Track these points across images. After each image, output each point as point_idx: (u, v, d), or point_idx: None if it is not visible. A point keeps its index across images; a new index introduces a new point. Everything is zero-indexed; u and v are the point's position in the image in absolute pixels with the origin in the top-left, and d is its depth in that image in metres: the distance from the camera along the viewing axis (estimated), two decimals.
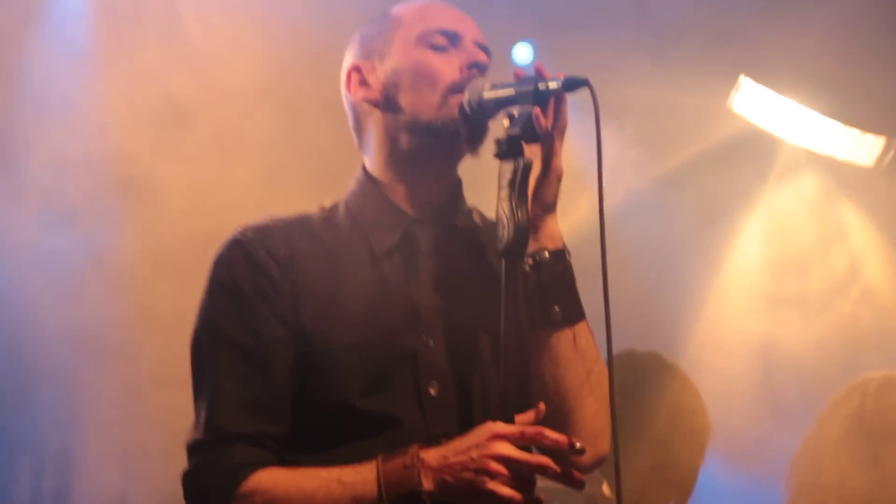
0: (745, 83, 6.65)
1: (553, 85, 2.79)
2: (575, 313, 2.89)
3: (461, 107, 2.91)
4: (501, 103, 2.85)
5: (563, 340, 2.88)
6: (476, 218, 3.11)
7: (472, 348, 2.92)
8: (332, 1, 5.48)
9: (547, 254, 2.87)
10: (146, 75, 5.99)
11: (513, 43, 6.52)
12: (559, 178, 2.86)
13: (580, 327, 2.89)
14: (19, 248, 5.99)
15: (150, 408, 4.91)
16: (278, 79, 5.92)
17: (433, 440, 2.79)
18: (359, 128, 3.11)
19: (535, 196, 2.85)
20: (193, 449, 2.86)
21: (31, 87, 6.00)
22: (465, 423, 2.81)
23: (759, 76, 6.65)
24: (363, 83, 3.05)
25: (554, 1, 6.32)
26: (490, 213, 2.94)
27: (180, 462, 2.91)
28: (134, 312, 5.70)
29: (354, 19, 3.30)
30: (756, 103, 6.72)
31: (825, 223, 6.94)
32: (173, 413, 2.99)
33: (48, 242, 6.03)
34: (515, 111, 2.81)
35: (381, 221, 3.00)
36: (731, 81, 6.65)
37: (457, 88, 2.93)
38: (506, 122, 2.81)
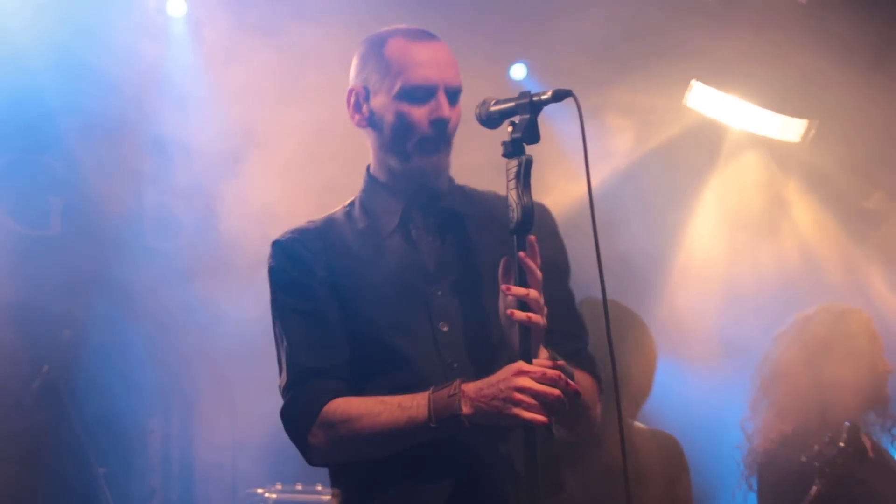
0: (696, 85, 6.65)
1: (545, 97, 2.81)
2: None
3: (430, 149, 2.96)
4: (505, 114, 2.88)
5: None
6: (464, 192, 3.13)
7: (473, 293, 2.95)
8: None
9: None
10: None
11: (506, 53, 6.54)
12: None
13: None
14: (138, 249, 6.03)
15: (254, 368, 4.90)
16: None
17: (447, 367, 2.87)
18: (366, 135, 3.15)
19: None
20: (283, 391, 2.96)
21: (154, 128, 5.99)
22: (471, 353, 2.90)
23: (707, 79, 6.62)
24: (357, 108, 3.08)
25: (544, 25, 6.30)
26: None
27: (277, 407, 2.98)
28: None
29: None
30: (705, 100, 6.70)
31: (765, 189, 6.91)
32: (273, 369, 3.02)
33: (163, 245, 6.07)
34: (517, 119, 2.84)
35: (384, 209, 3.05)
36: (684, 84, 6.61)
37: (427, 140, 2.96)
38: (509, 129, 2.83)
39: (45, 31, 5.71)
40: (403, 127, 2.97)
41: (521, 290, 2.72)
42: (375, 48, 3.05)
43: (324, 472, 3.05)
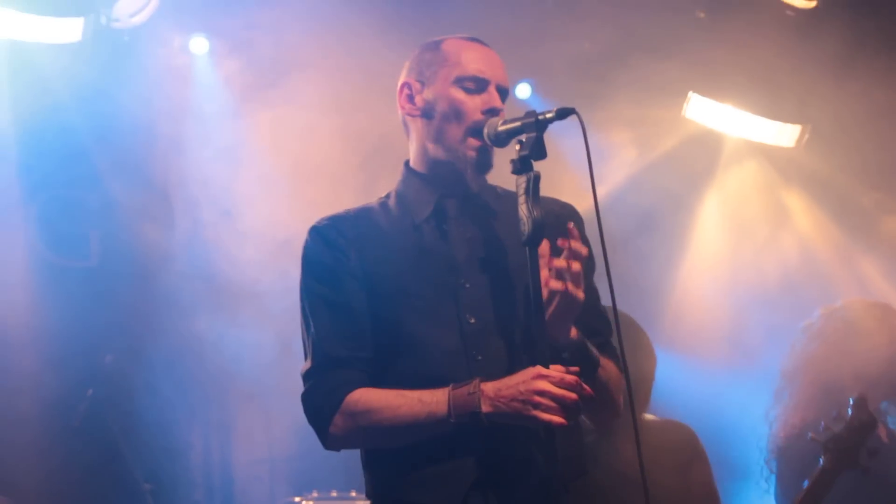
0: (694, 97, 6.65)
1: (549, 115, 2.84)
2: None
3: (480, 144, 2.97)
4: (512, 133, 2.90)
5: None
6: (496, 192, 3.15)
7: (501, 289, 2.93)
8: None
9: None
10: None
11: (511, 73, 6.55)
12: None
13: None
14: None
15: (286, 381, 4.93)
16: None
17: (471, 360, 2.87)
18: (406, 129, 3.16)
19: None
20: (306, 376, 2.96)
21: (181, 160, 6.04)
22: (496, 347, 2.89)
23: (703, 90, 6.64)
24: (410, 99, 3.10)
25: (545, 45, 6.33)
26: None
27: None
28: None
29: None
30: (703, 111, 6.70)
31: (763, 192, 6.89)
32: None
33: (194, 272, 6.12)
34: (524, 137, 2.86)
35: (418, 199, 3.06)
36: (682, 96, 6.63)
37: (475, 128, 2.98)
38: (517, 147, 2.86)
39: (77, 75, 5.78)
40: (457, 114, 2.99)
41: (562, 262, 2.75)
42: (432, 46, 3.10)
43: (358, 477, 3.04)
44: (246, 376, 6.23)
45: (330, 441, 2.91)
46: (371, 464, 2.97)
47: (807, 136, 6.71)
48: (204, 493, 6.58)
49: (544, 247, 2.80)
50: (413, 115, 3.08)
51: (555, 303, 2.78)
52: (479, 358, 2.87)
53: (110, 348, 5.87)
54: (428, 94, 3.04)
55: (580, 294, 2.78)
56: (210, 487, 6.63)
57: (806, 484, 4.32)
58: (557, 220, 2.90)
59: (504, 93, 3.06)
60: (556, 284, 2.75)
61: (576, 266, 2.76)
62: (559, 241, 2.78)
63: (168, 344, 5.99)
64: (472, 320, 2.89)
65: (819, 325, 4.87)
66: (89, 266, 6.14)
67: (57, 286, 5.96)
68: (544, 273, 2.78)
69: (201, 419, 6.58)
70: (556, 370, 2.72)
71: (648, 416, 4.53)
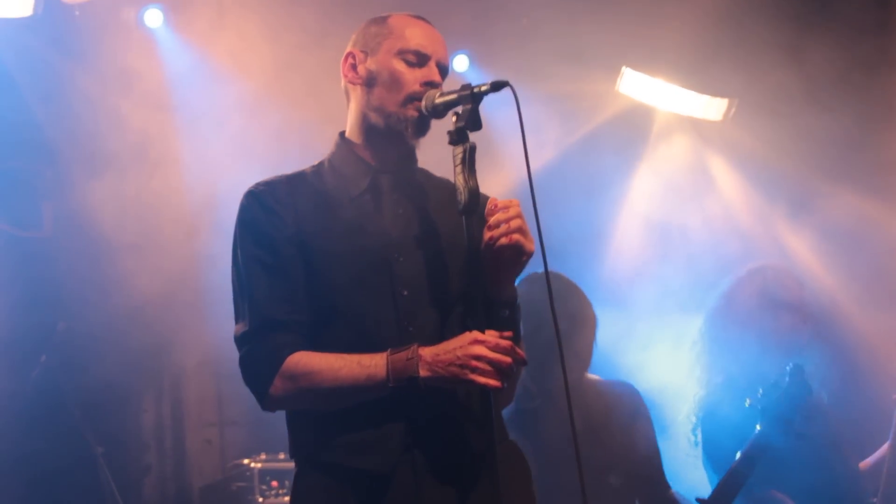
0: (627, 72, 6.71)
1: (484, 87, 2.86)
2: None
3: (419, 109, 2.98)
4: (448, 105, 2.93)
5: None
6: (428, 174, 3.17)
7: (433, 263, 2.95)
8: None
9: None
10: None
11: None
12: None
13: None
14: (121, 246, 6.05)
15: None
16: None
17: (403, 330, 2.88)
18: (347, 97, 3.16)
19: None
20: (242, 339, 2.91)
21: (132, 135, 6.01)
22: (427, 319, 2.91)
23: (636, 65, 6.70)
24: (353, 68, 3.10)
25: (483, 19, 6.35)
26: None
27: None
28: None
29: None
30: (636, 85, 6.76)
31: (692, 162, 6.96)
32: None
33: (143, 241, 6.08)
34: (460, 109, 2.89)
35: (354, 172, 3.05)
36: (616, 71, 6.69)
37: (413, 97, 3.00)
38: (454, 118, 2.88)
39: (28, 49, 5.74)
40: (396, 84, 2.98)
41: (501, 216, 2.79)
42: (379, 20, 3.11)
43: None
44: (200, 342, 6.21)
45: (268, 402, 2.88)
46: (299, 424, 2.95)
47: (733, 110, 6.81)
48: (156, 455, 6.57)
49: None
50: (354, 84, 3.08)
51: (502, 256, 2.81)
52: (411, 329, 2.87)
53: (63, 316, 5.84)
54: (371, 63, 3.04)
55: (530, 244, 2.82)
56: (162, 450, 6.61)
57: (742, 450, 4.37)
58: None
59: (444, 70, 3.07)
60: (504, 239, 2.78)
61: (515, 220, 2.79)
62: (490, 199, 2.83)
63: (119, 311, 5.97)
64: (405, 292, 2.90)
65: (737, 285, 4.93)
66: (42, 237, 6.10)
67: (8, 256, 5.92)
68: (487, 234, 2.81)
69: (153, 384, 6.57)
70: (491, 335, 2.74)
71: (593, 377, 4.59)
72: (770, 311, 4.75)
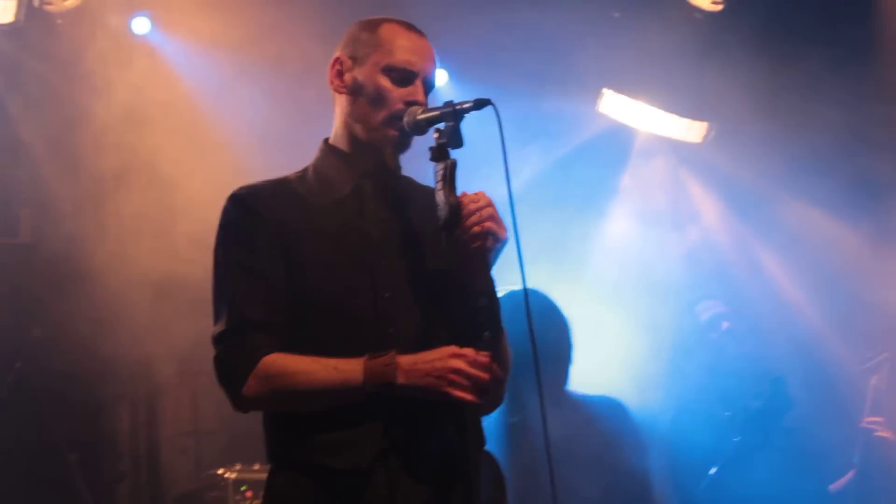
0: (608, 93, 6.71)
1: (467, 105, 2.82)
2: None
3: (400, 127, 2.93)
4: (430, 122, 2.88)
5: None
6: (412, 181, 3.12)
7: (415, 268, 2.92)
8: None
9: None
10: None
11: None
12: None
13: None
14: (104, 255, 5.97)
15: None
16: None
17: (383, 332, 2.84)
18: (333, 101, 3.10)
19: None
20: (219, 338, 2.85)
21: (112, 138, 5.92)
22: (409, 322, 2.87)
23: (617, 87, 6.69)
24: (339, 75, 3.04)
25: (465, 36, 6.33)
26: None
27: None
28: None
29: None
30: (616, 106, 6.76)
31: (671, 184, 6.98)
32: None
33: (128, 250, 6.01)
34: (441, 126, 2.84)
35: (338, 177, 3.00)
36: (596, 92, 6.67)
37: (395, 116, 2.94)
38: (435, 135, 2.84)
39: (8, 55, 5.68)
40: (380, 100, 2.92)
41: (472, 205, 2.76)
42: (370, 26, 3.03)
43: None
44: (177, 353, 6.15)
45: (241, 402, 2.82)
46: (275, 425, 2.89)
47: (713, 133, 6.81)
48: (130, 463, 6.53)
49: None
50: (340, 91, 3.03)
51: (475, 243, 2.76)
52: (391, 330, 2.84)
53: (39, 322, 5.77)
54: (358, 73, 2.98)
55: (502, 230, 2.78)
56: (136, 458, 6.58)
57: (718, 463, 4.35)
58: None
59: (429, 86, 3.01)
60: (476, 228, 2.74)
61: (486, 209, 2.76)
62: (462, 193, 2.79)
63: (97, 319, 5.89)
64: (387, 294, 2.86)
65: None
66: (19, 243, 6.03)
67: None
68: (466, 221, 2.77)
69: (129, 393, 6.51)
70: (469, 351, 2.72)
71: (575, 391, 4.55)
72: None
